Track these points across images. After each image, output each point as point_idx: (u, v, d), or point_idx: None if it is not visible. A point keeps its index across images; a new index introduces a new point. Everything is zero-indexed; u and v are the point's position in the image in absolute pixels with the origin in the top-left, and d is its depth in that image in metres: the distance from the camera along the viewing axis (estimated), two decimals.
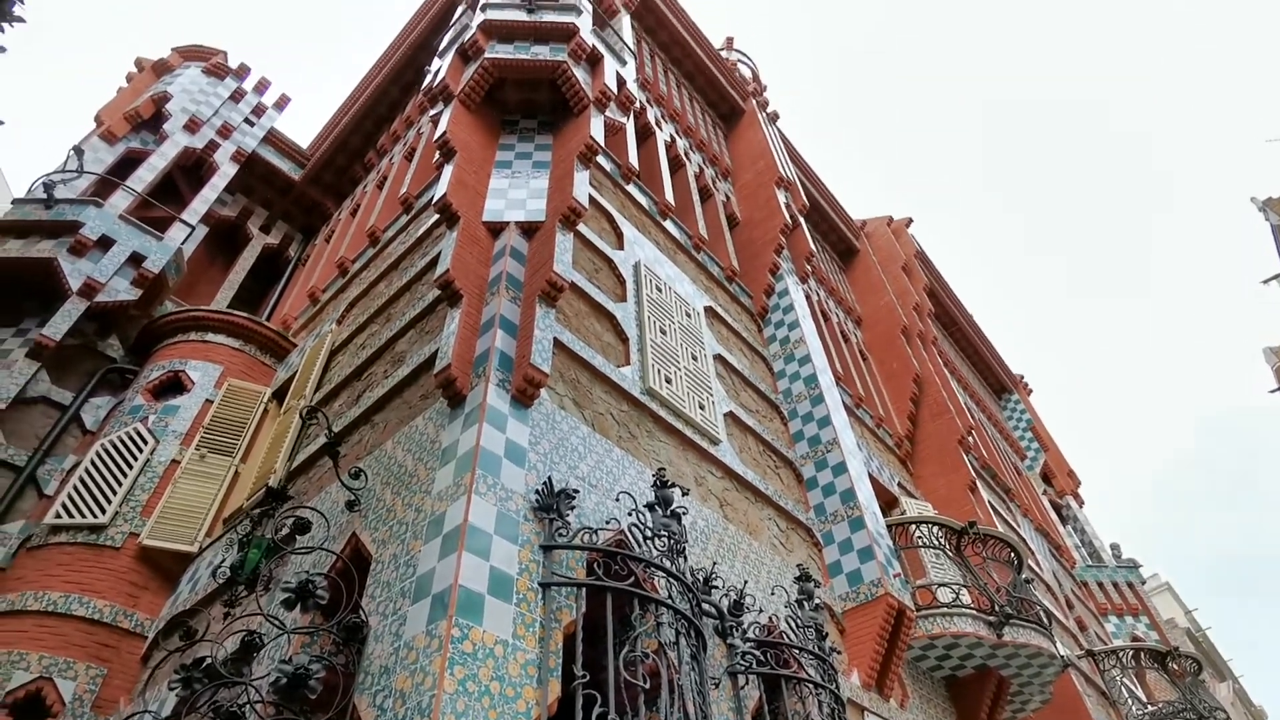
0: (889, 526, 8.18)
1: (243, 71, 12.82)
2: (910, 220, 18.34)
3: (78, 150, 9.46)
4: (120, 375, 8.56)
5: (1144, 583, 16.79)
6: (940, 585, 7.80)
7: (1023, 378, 22.06)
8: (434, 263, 7.00)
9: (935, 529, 8.35)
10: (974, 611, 7.60)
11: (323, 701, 3.66)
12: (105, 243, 8.63)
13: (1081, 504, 19.61)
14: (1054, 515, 17.91)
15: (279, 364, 9.21)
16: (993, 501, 12.97)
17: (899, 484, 10.96)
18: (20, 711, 5.83)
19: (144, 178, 9.98)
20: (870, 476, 9.50)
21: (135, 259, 8.80)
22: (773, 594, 6.09)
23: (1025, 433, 19.91)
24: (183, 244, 9.53)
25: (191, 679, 3.65)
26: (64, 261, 8.19)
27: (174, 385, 8.29)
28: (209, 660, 3.71)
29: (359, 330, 7.69)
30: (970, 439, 12.74)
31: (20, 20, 5.32)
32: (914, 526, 8.41)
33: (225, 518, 7.08)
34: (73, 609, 6.27)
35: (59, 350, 7.99)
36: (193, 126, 11.22)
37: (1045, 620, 8.27)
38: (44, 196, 8.62)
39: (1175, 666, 11.30)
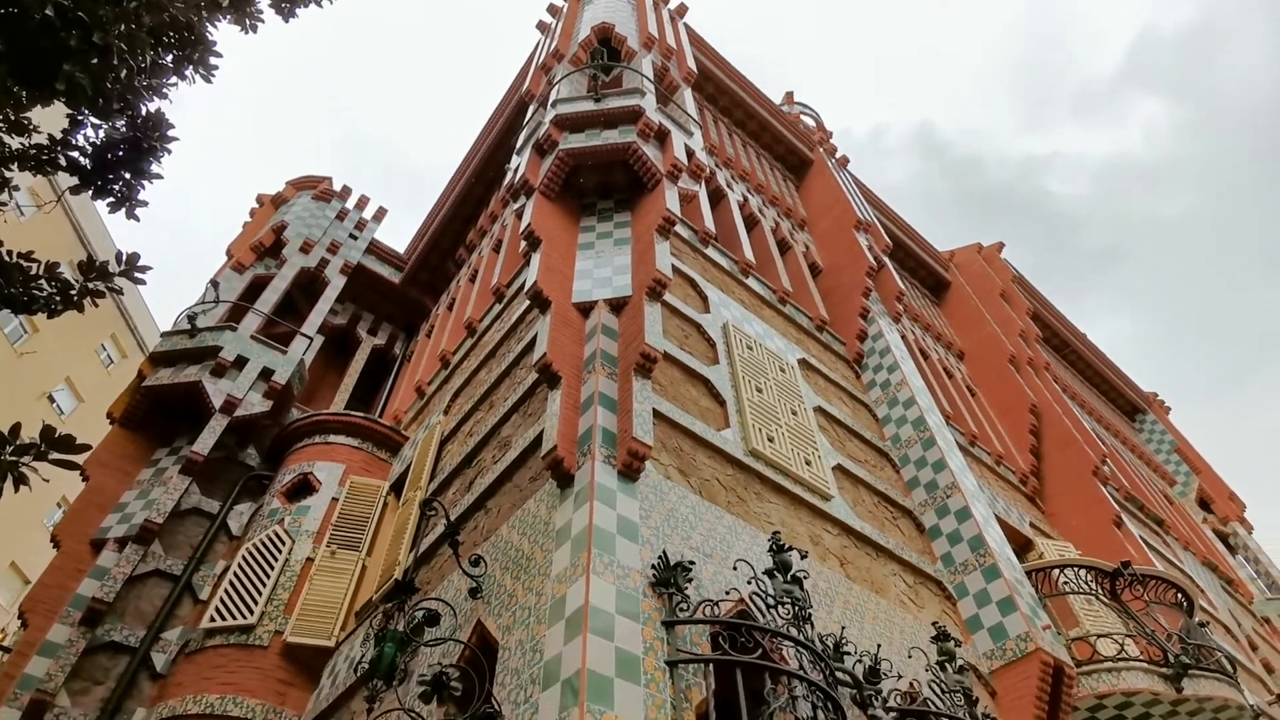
0: (1029, 573, 7.56)
1: (345, 193, 14.12)
2: (1001, 245, 17.61)
3: (214, 283, 10.60)
4: (258, 482, 9.26)
5: None
6: (1100, 636, 7.09)
7: (1156, 395, 20.27)
8: (530, 347, 7.30)
9: (1083, 572, 7.66)
10: (1145, 664, 6.83)
11: None
12: (240, 362, 9.53)
13: (1250, 529, 17.48)
14: (1220, 545, 16.04)
15: (394, 457, 9.71)
16: (1144, 536, 11.79)
17: (1031, 524, 10.17)
18: None
19: (269, 299, 11.02)
20: (998, 518, 8.89)
21: (265, 373, 9.64)
22: (909, 657, 5.71)
23: (1170, 455, 18.12)
24: (304, 355, 10.36)
25: None
26: (207, 383, 9.08)
27: (304, 487, 8.87)
28: None
29: (465, 419, 8.04)
30: (1106, 468, 11.73)
31: (159, 176, 6.13)
32: (1058, 571, 7.74)
33: (357, 611, 7.39)
34: (229, 710, 6.64)
35: (206, 464, 8.76)
36: (306, 248, 12.36)
37: (1229, 667, 7.32)
38: (188, 327, 9.64)
39: None
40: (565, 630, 3.93)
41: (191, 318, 9.77)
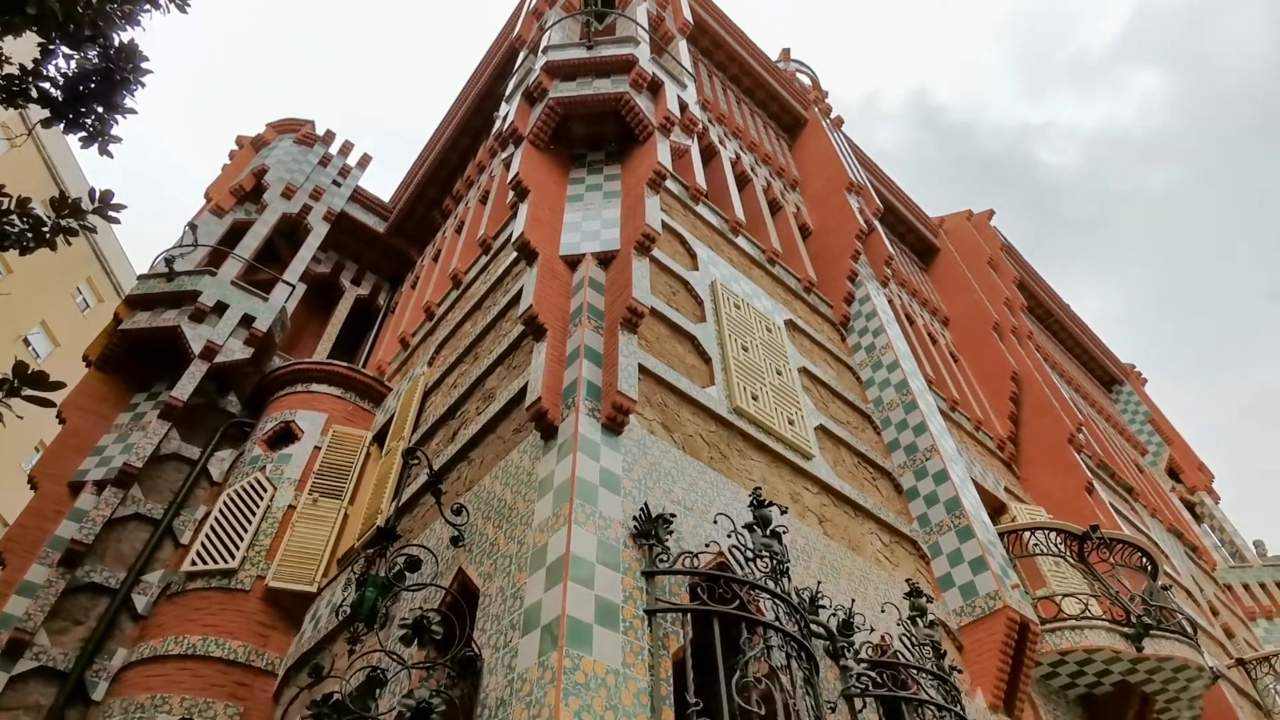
0: (1001, 535, 7.74)
1: (329, 138, 13.76)
2: (991, 213, 17.57)
3: (192, 226, 10.35)
4: (239, 429, 9.21)
5: None
6: (1066, 595, 7.30)
7: (1134, 367, 20.57)
8: (516, 300, 7.23)
9: (1053, 535, 7.85)
10: (1107, 623, 7.06)
11: None
12: (220, 308, 9.37)
13: (1217, 500, 17.98)
14: (1186, 514, 16.50)
15: (377, 408, 9.67)
16: (1114, 503, 12.08)
17: (1005, 489, 10.38)
18: None
19: (249, 245, 10.80)
20: (974, 482, 9.04)
21: (246, 320, 9.50)
22: (882, 611, 5.86)
23: (1143, 426, 18.49)
24: (285, 302, 10.21)
25: (322, 715, 3.82)
26: (186, 328, 8.94)
27: (286, 435, 8.83)
28: (337, 696, 3.88)
29: (449, 370, 7.99)
30: (1081, 436, 11.95)
31: (132, 111, 5.91)
32: (1029, 534, 7.92)
33: (339, 558, 7.44)
34: (210, 651, 6.71)
35: (186, 410, 8.68)
36: (288, 193, 12.07)
37: (1189, 629, 7.59)
38: (165, 271, 9.44)
39: None
40: (546, 578, 3.97)
41: (169, 261, 9.54)
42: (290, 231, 12.19)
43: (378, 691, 3.94)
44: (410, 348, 10.28)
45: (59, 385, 3.61)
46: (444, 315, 9.65)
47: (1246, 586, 14.94)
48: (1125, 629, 7.06)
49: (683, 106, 8.34)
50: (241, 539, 7.52)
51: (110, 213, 5.01)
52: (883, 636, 5.51)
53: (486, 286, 8.44)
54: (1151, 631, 7.07)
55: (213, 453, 8.78)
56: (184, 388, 8.54)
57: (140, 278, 9.68)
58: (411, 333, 10.54)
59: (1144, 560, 8.02)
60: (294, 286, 10.74)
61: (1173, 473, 18.11)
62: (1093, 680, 7.28)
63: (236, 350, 9.24)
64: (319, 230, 12.25)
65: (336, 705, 3.81)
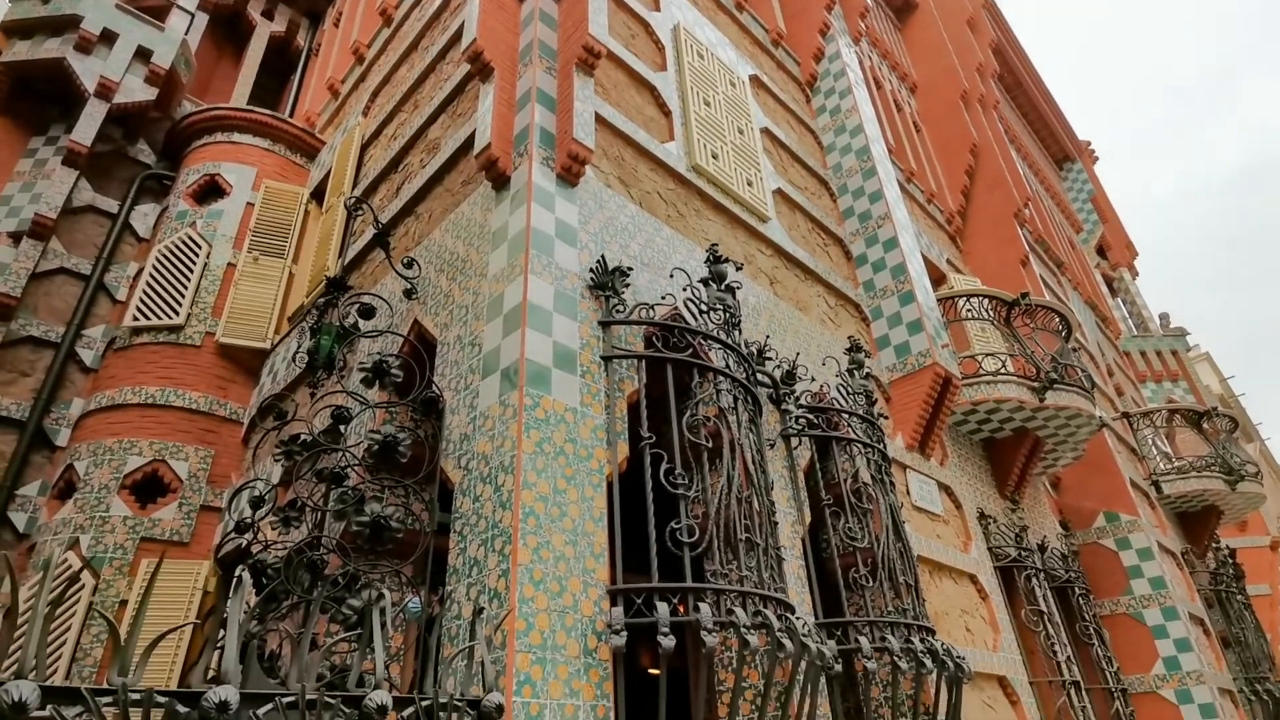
0: (938, 301, 8.12)
1: None
2: None
3: None
4: (158, 181, 8.51)
5: (1189, 350, 16.82)
6: (987, 355, 7.90)
7: (1089, 144, 20.51)
8: (456, 38, 6.47)
9: (985, 301, 8.28)
10: (1017, 378, 7.75)
11: (410, 468, 4.00)
12: (109, 37, 8.12)
13: (1135, 275, 19.13)
14: (1105, 288, 17.59)
15: (311, 163, 9.00)
16: (1044, 275, 12.70)
17: (948, 260, 10.72)
18: (141, 491, 6.43)
19: None
20: (920, 254, 9.27)
21: (143, 54, 8.32)
22: (823, 365, 6.24)
23: (1085, 204, 18.91)
24: (186, 35, 8.92)
25: (292, 451, 3.99)
26: (74, 60, 7.80)
27: (213, 189, 8.23)
28: (305, 435, 4.03)
29: (387, 120, 7.35)
30: (1026, 212, 12.17)
31: None
32: (964, 300, 8.34)
33: (290, 316, 7.37)
34: (171, 400, 6.82)
35: (93, 158, 7.90)
36: None
37: (1088, 385, 8.41)
38: None
39: (1210, 426, 11.63)
40: (504, 325, 4.00)
41: None
42: None
43: (343, 429, 4.10)
44: (341, 96, 9.33)
45: None
46: (376, 58, 8.64)
47: (1144, 354, 16.49)
48: (1033, 383, 7.79)
49: None
50: (183, 296, 7.30)
51: None
52: (821, 386, 5.93)
53: (422, 23, 7.48)
54: (1055, 385, 7.83)
55: (133, 206, 8.17)
56: (84, 132, 7.67)
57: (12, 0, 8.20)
58: (340, 79, 9.49)
59: (1060, 325, 8.63)
60: (193, 15, 9.31)
61: (1101, 250, 18.96)
62: (996, 426, 8.16)
63: (137, 90, 8.20)
64: None
65: (305, 442, 3.97)
